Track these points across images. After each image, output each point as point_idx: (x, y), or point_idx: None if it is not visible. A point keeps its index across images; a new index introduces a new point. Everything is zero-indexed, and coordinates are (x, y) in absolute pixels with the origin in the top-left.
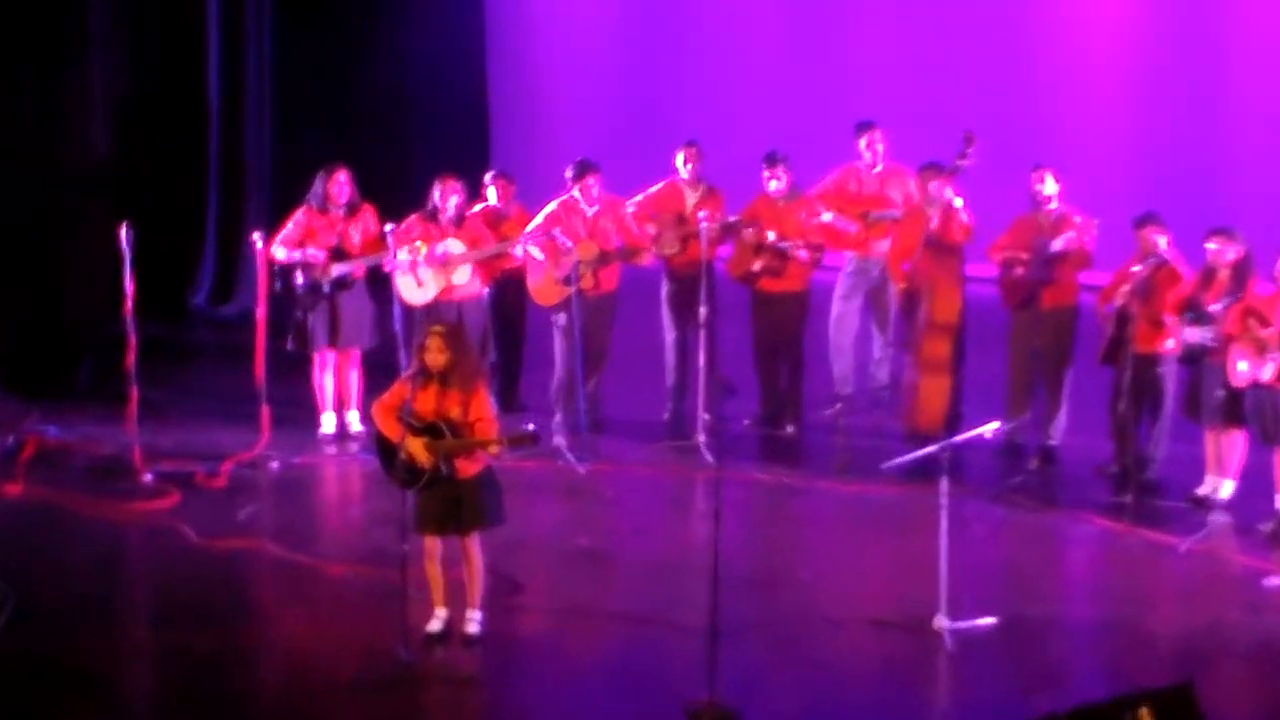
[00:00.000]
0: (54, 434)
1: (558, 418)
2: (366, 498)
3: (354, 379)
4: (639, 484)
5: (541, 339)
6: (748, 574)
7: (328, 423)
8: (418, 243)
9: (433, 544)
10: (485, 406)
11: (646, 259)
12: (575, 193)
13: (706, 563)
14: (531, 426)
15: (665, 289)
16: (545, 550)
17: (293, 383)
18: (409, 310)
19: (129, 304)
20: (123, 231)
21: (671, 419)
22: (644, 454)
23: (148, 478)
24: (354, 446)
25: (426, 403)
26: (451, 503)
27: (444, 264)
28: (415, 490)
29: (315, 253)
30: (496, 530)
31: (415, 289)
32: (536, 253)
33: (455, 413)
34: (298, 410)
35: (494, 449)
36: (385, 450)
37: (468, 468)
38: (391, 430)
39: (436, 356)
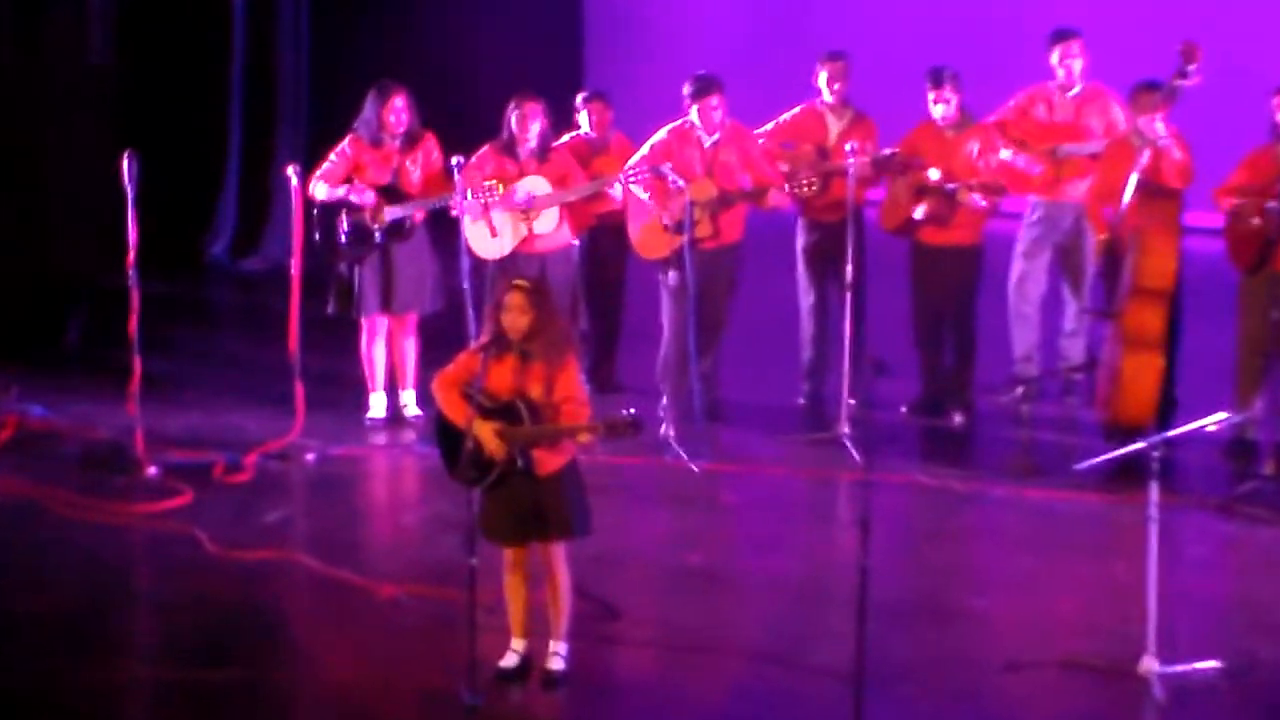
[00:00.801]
0: (37, 414)
1: (665, 401)
2: (425, 499)
3: (411, 350)
4: (766, 487)
5: (645, 302)
6: (904, 602)
7: (377, 405)
8: (492, 181)
9: (516, 554)
10: (575, 384)
11: (779, 202)
12: (693, 117)
13: (851, 588)
14: (632, 411)
15: (802, 241)
16: (648, 569)
17: (334, 355)
18: (480, 265)
19: (131, 253)
20: (125, 162)
21: (808, 405)
22: (773, 449)
23: (153, 471)
24: (410, 435)
25: (502, 378)
26: (528, 506)
27: (524, 208)
28: (482, 488)
29: (364, 192)
30: (588, 543)
31: (488, 239)
32: (640, 193)
33: (536, 391)
34: (340, 389)
35: (585, 438)
36: (447, 437)
37: (549, 461)
38: (456, 411)
39: (518, 318)
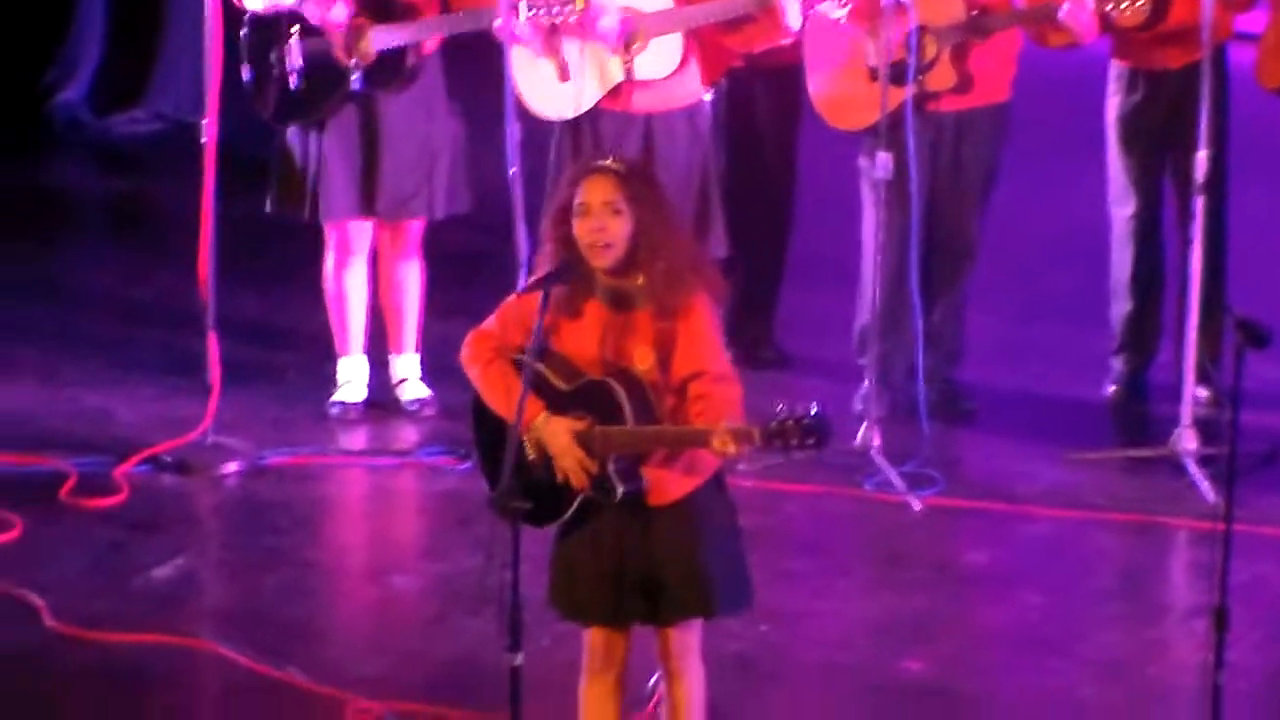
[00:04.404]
0: None
1: (866, 387)
2: (434, 547)
3: (413, 284)
4: (1041, 541)
5: (831, 208)
6: None
7: (351, 378)
8: None
9: (604, 640)
10: (710, 348)
11: (1076, 28)
12: None
13: None
14: (812, 410)
15: (1118, 104)
16: (833, 680)
17: (278, 289)
18: (540, 134)
19: None
20: None
21: (1121, 396)
22: (1053, 473)
23: None
24: (408, 434)
25: (582, 338)
26: (634, 562)
27: (621, 33)
28: (555, 529)
29: (332, 3)
30: (731, 637)
31: (555, 87)
32: (831, 8)
33: (644, 361)
34: (286, 349)
35: (725, 447)
36: (492, 441)
37: (670, 483)
38: (502, 396)
39: (606, 225)
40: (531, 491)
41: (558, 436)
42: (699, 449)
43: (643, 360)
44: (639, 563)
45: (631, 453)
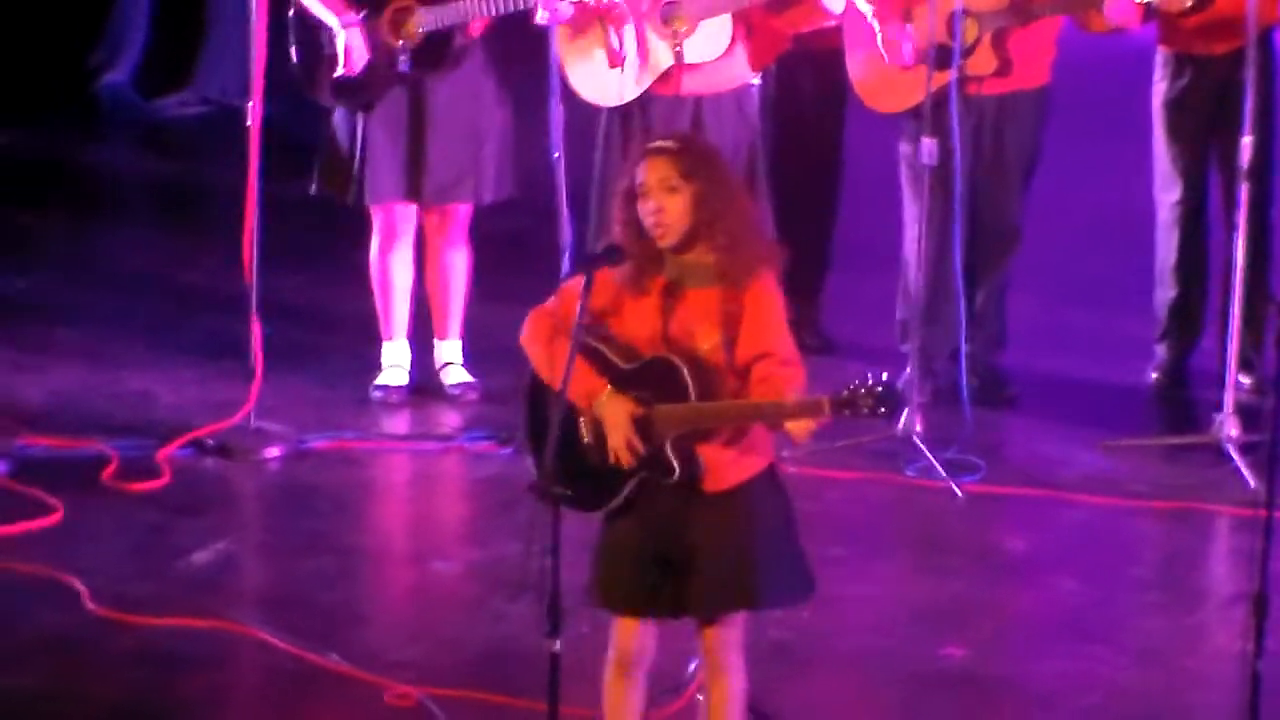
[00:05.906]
0: None
1: (909, 372)
2: (474, 533)
3: (459, 270)
4: (1082, 528)
5: (874, 193)
6: None
7: (395, 363)
8: None
9: (633, 636)
10: (777, 327)
11: (1119, 17)
12: None
13: (1228, 711)
14: (881, 378)
15: (1164, 90)
16: (872, 669)
17: (323, 272)
18: (581, 114)
19: None
20: None
21: (1164, 384)
22: (1096, 461)
23: None
24: (451, 419)
25: (646, 315)
26: (680, 548)
27: (668, 17)
28: (602, 514)
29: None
30: (767, 625)
31: (604, 71)
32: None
33: (708, 340)
34: (330, 333)
35: (800, 426)
36: (542, 426)
37: (726, 468)
38: (565, 375)
39: (666, 205)
40: (586, 475)
41: (615, 415)
42: (766, 425)
43: (706, 339)
44: (684, 549)
45: (692, 431)
